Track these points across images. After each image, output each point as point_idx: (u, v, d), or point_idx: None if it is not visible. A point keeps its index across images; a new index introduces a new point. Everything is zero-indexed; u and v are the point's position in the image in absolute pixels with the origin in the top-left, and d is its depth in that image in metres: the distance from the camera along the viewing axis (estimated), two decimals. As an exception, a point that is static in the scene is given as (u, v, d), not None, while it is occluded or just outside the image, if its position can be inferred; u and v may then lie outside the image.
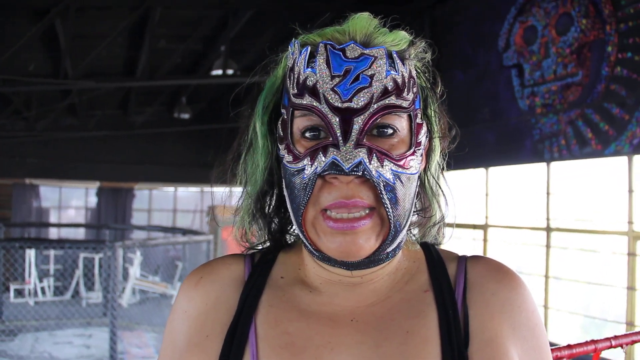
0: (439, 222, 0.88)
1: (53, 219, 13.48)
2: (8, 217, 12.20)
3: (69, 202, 13.99)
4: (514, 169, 6.88)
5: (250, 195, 0.87)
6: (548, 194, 6.14)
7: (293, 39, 0.81)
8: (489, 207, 7.04)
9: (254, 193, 0.86)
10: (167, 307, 9.67)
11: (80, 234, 13.22)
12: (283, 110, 0.80)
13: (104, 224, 12.03)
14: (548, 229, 6.14)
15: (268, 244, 0.90)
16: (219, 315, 0.82)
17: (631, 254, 5.26)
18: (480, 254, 6.57)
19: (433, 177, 0.87)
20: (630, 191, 5.26)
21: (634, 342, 1.86)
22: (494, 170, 6.99)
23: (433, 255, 0.86)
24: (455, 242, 0.91)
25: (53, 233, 13.08)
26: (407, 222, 0.78)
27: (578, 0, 5.68)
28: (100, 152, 12.67)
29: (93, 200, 13.58)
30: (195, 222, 14.22)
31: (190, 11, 7.74)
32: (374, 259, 0.76)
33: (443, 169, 0.89)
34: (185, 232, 9.12)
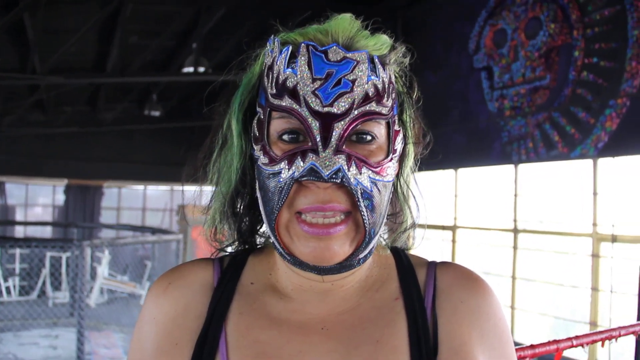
0: (409, 228, 0.87)
1: (19, 216, 13.22)
2: (-28, 215, 11.94)
3: (35, 200, 13.73)
4: (483, 171, 6.96)
5: (222, 194, 0.85)
6: (516, 195, 6.23)
7: (272, 36, 0.79)
8: (458, 209, 7.12)
9: (226, 192, 0.84)
10: (136, 307, 9.56)
11: (47, 232, 12.98)
12: (259, 110, 0.78)
13: (71, 223, 11.83)
14: (515, 231, 6.23)
15: (237, 244, 0.89)
16: (188, 323, 0.80)
17: (595, 256, 5.37)
18: (449, 258, 6.67)
19: (405, 182, 0.86)
20: (595, 194, 5.37)
21: (594, 341, 1.91)
22: (463, 171, 7.07)
23: (403, 262, 0.86)
24: (424, 243, 0.92)
25: (19, 231, 12.82)
26: (380, 228, 0.77)
27: (547, 5, 5.78)
28: (68, 149, 12.47)
29: (61, 198, 13.36)
30: (165, 221, 14.09)
31: (163, 7, 7.67)
32: (345, 265, 0.75)
33: (414, 173, 0.88)
34: (154, 231, 9.02)
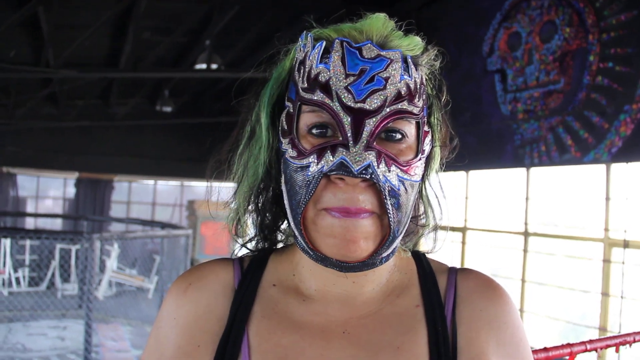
0: (432, 231, 0.87)
1: (30, 208, 13.29)
2: (-16, 206, 12.02)
3: (46, 192, 13.80)
4: (494, 173, 6.94)
5: (247, 187, 0.84)
6: (527, 199, 6.20)
7: (305, 31, 0.79)
8: (469, 210, 7.10)
9: (252, 185, 0.84)
10: (144, 301, 9.62)
11: (57, 224, 13.06)
12: (289, 104, 0.78)
13: (81, 215, 11.88)
14: (526, 234, 6.21)
15: (258, 240, 0.88)
16: (209, 325, 0.80)
17: (606, 261, 5.34)
18: (458, 260, 6.62)
19: (430, 185, 0.86)
20: (607, 199, 5.34)
21: (608, 346, 1.90)
22: (474, 173, 7.05)
23: (424, 267, 0.86)
24: (446, 230, 0.92)
25: (30, 223, 12.89)
26: (404, 228, 0.77)
27: (562, 9, 5.75)
28: (79, 142, 12.52)
29: (71, 191, 13.42)
30: (175, 216, 14.13)
31: (176, 4, 7.68)
32: (368, 263, 0.74)
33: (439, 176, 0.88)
34: (163, 226, 9.05)
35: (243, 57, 9.33)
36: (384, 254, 0.76)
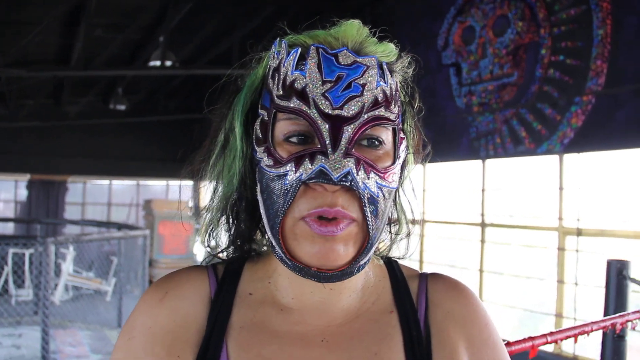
0: (405, 237, 0.87)
1: (-21, 212, 12.90)
2: None
3: (-4, 195, 13.43)
4: (451, 166, 7.04)
5: (221, 198, 0.83)
6: (483, 190, 6.32)
7: (278, 38, 0.78)
8: (426, 203, 7.18)
9: (226, 195, 0.83)
10: (102, 304, 9.42)
11: (9, 228, 12.69)
12: (263, 112, 0.77)
13: (34, 218, 11.58)
14: (483, 225, 6.32)
15: (231, 250, 0.87)
16: (188, 335, 0.78)
17: (561, 249, 5.48)
18: (416, 252, 6.69)
19: (404, 192, 0.86)
20: (561, 189, 5.48)
21: (567, 337, 1.95)
22: (431, 166, 7.14)
23: (396, 273, 0.86)
24: (415, 236, 0.93)
25: (-21, 228, 12.51)
26: (380, 235, 0.77)
27: (515, 3, 5.86)
28: (31, 143, 12.20)
29: (23, 193, 13.07)
30: (131, 216, 13.90)
31: (129, 0, 7.54)
32: (346, 272, 0.73)
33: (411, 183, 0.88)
34: (120, 226, 8.89)
35: (198, 53, 9.23)
36: (362, 262, 0.75)
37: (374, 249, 0.76)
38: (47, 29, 7.28)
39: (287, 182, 0.72)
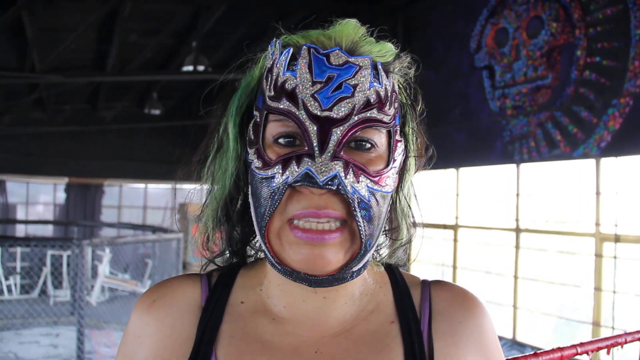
0: (405, 244, 0.84)
1: (20, 215, 13.22)
2: (-27, 213, 11.94)
3: (36, 198, 13.73)
4: (484, 170, 6.93)
5: (216, 199, 0.82)
6: (517, 195, 6.20)
7: (274, 39, 0.77)
8: (459, 208, 7.09)
9: (220, 198, 0.81)
10: (137, 306, 9.55)
11: (48, 230, 12.98)
12: (256, 113, 0.76)
13: (72, 221, 11.82)
14: (517, 230, 6.20)
15: (228, 255, 0.85)
16: (176, 346, 0.77)
17: (598, 256, 5.34)
18: (450, 257, 6.62)
19: (405, 197, 0.83)
20: (598, 193, 5.34)
21: (599, 348, 1.88)
22: (465, 170, 7.04)
23: (398, 281, 0.83)
24: (425, 242, 0.90)
25: (20, 229, 12.81)
26: (376, 241, 0.74)
27: (549, 4, 5.74)
28: (69, 147, 12.46)
29: (61, 196, 13.35)
30: (166, 220, 14.08)
31: (162, 5, 7.64)
32: (338, 277, 0.72)
33: (414, 187, 0.85)
34: (155, 230, 9.01)
35: (230, 57, 9.30)
36: (355, 268, 0.73)
37: (368, 255, 0.74)
38: (83, 35, 7.42)
39: (274, 184, 0.70)
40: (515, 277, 6.19)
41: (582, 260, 5.77)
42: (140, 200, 14.33)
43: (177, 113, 12.32)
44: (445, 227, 7.20)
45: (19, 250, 10.64)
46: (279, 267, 0.72)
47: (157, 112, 11.01)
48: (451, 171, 7.10)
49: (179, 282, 0.83)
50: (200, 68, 7.77)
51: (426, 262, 7.38)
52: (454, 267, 7.08)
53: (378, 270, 0.84)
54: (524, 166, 6.15)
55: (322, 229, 0.69)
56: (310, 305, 0.77)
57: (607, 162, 5.31)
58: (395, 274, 0.84)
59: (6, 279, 10.22)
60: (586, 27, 5.36)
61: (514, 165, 6.20)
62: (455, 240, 7.11)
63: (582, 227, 5.69)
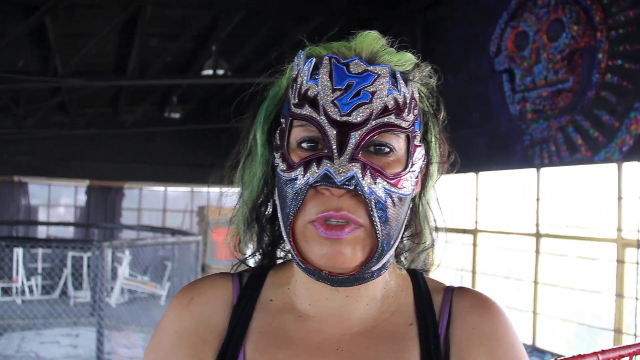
0: (428, 249, 0.88)
1: (42, 217, 13.39)
2: (-4, 215, 12.11)
3: (58, 200, 13.90)
4: (505, 174, 6.88)
5: (246, 203, 0.87)
6: (538, 199, 6.14)
7: (300, 50, 0.82)
8: (479, 212, 7.04)
9: (250, 201, 0.87)
10: (156, 308, 9.62)
11: (69, 232, 13.14)
12: (282, 120, 0.81)
13: (93, 223, 11.95)
14: (538, 235, 6.14)
15: (259, 256, 0.91)
16: (210, 339, 0.83)
17: (620, 261, 5.26)
18: (469, 262, 6.55)
19: (427, 203, 0.87)
20: (620, 198, 5.27)
21: (621, 356, 1.85)
22: (484, 175, 6.99)
23: (420, 285, 0.86)
24: (446, 247, 0.93)
25: (42, 231, 12.98)
26: (395, 243, 0.78)
27: (569, 6, 5.69)
28: (90, 150, 12.60)
29: (82, 199, 13.50)
30: (185, 222, 14.17)
31: (182, 10, 7.70)
32: (358, 277, 0.75)
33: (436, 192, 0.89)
34: (174, 232, 9.08)
35: (249, 61, 9.34)
36: (374, 268, 0.76)
37: (387, 256, 0.77)
38: (104, 40, 7.51)
39: (297, 185, 0.75)
40: (535, 283, 6.13)
41: (603, 266, 5.69)
42: (160, 203, 14.44)
43: (197, 117, 12.41)
44: (464, 231, 7.15)
45: (40, 251, 10.79)
46: (303, 266, 0.76)
47: (177, 115, 11.10)
48: (471, 175, 7.05)
49: (213, 281, 0.89)
50: (220, 72, 7.82)
51: (445, 266, 7.33)
52: (473, 272, 7.03)
53: (400, 274, 0.88)
54: (544, 170, 6.08)
55: (341, 224, 0.73)
56: (333, 304, 0.81)
57: (629, 166, 5.23)
58: (419, 279, 0.88)
59: (28, 279, 10.36)
60: (608, 30, 5.30)
61: (534, 170, 6.14)
62: (474, 245, 7.05)
63: (604, 233, 5.62)
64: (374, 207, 0.73)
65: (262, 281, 0.88)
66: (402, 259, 0.89)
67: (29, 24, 6.54)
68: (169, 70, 9.92)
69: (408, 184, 0.77)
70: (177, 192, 14.63)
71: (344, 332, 0.81)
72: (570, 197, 6.36)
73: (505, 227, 6.88)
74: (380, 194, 0.73)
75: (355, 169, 0.72)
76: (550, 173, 6.10)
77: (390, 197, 0.74)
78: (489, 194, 7.06)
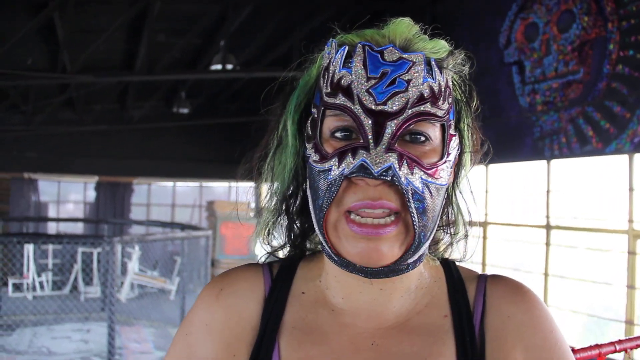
0: (462, 239, 0.86)
1: (52, 213, 13.45)
2: (6, 212, 12.16)
3: (67, 197, 13.95)
4: (514, 167, 6.86)
5: (276, 194, 0.85)
6: (548, 191, 6.12)
7: (330, 39, 0.79)
8: (489, 205, 7.02)
9: (280, 193, 0.85)
10: (166, 302, 9.67)
11: (78, 228, 13.18)
12: (314, 110, 0.79)
13: (102, 219, 11.99)
14: (548, 227, 6.13)
15: (288, 248, 0.89)
16: (244, 333, 0.81)
17: (631, 253, 5.25)
18: (479, 255, 6.55)
19: (461, 192, 0.85)
20: (631, 190, 5.24)
21: (638, 346, 1.85)
22: (494, 167, 6.97)
23: (453, 275, 0.85)
24: (477, 239, 0.92)
25: (52, 227, 13.04)
26: (431, 234, 0.76)
27: (580, -3, 5.65)
28: (98, 146, 12.64)
29: (92, 195, 13.55)
30: (194, 217, 14.20)
31: (190, 5, 7.70)
32: (394, 269, 0.74)
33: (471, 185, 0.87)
34: (183, 227, 9.10)
35: (258, 56, 9.33)
36: (410, 260, 0.75)
37: (423, 248, 0.76)
38: (112, 36, 7.52)
39: (331, 176, 0.73)
40: (546, 275, 6.12)
41: (614, 258, 5.67)
42: (169, 198, 14.47)
43: (205, 112, 12.41)
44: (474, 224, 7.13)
45: (50, 247, 10.84)
46: (336, 259, 0.75)
47: (185, 111, 11.10)
48: (480, 167, 7.03)
49: (243, 272, 0.87)
50: (229, 67, 7.81)
51: (455, 260, 7.31)
52: (483, 264, 7.02)
53: (434, 265, 0.85)
54: (554, 162, 6.06)
55: (377, 224, 0.71)
56: (367, 297, 0.79)
57: (640, 157, 5.21)
58: (451, 268, 0.86)
59: (39, 275, 10.42)
60: (619, 20, 5.26)
61: (544, 162, 6.12)
62: (484, 237, 7.04)
63: (615, 224, 5.59)
64: (411, 198, 0.71)
65: (293, 273, 0.86)
66: (436, 249, 0.87)
67: (38, 21, 6.56)
68: (177, 66, 9.92)
69: (444, 174, 0.76)
70: (185, 187, 14.67)
71: (378, 326, 0.79)
72: (581, 189, 6.34)
73: (515, 219, 6.86)
74: (418, 184, 0.72)
75: (392, 159, 0.70)
76: (560, 165, 6.08)
77: (428, 187, 0.73)
78: (498, 186, 7.04)
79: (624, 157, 5.30)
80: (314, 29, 7.62)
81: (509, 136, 6.45)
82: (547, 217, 6.13)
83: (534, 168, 6.42)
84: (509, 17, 6.48)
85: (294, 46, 8.13)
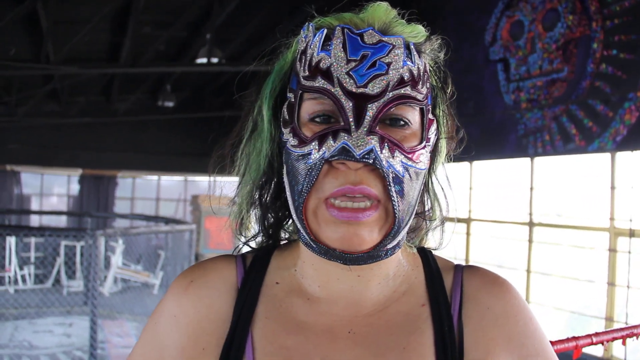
0: (439, 226, 0.85)
1: (34, 206, 13.31)
2: (-12, 204, 12.04)
3: (50, 189, 13.83)
4: (498, 163, 6.90)
5: (250, 182, 0.83)
6: (531, 189, 6.17)
7: (307, 22, 0.78)
8: (473, 201, 7.06)
9: (255, 180, 0.83)
10: (149, 297, 9.62)
11: (62, 221, 13.07)
12: (290, 94, 0.77)
13: (85, 212, 11.90)
14: (531, 224, 6.17)
15: (262, 238, 0.87)
16: (213, 327, 0.79)
17: (612, 250, 5.30)
18: (462, 251, 6.59)
19: (437, 179, 0.84)
20: (613, 188, 5.30)
21: (614, 338, 1.87)
22: (478, 164, 7.01)
23: (430, 264, 0.84)
24: (453, 226, 0.91)
25: (34, 220, 12.91)
26: (409, 219, 0.75)
27: (565, -5, 5.69)
28: (82, 139, 12.52)
29: (75, 188, 13.43)
30: (179, 211, 14.14)
31: (176, -3, 7.66)
32: (373, 255, 0.73)
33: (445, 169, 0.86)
34: (167, 221, 9.05)
35: (244, 50, 9.29)
36: (389, 245, 0.74)
37: (402, 233, 0.75)
38: (97, 27, 7.44)
39: (311, 160, 0.71)
40: (528, 272, 6.17)
41: (596, 255, 5.73)
42: (153, 192, 14.38)
43: (191, 105, 12.34)
44: (457, 220, 7.17)
45: (33, 240, 10.75)
46: (315, 246, 0.74)
47: (170, 104, 11.03)
48: (464, 164, 7.07)
49: (215, 263, 0.85)
50: (214, 60, 7.77)
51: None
52: (467, 260, 7.06)
53: (411, 252, 0.85)
54: (538, 160, 6.11)
55: (357, 208, 0.70)
56: (344, 285, 0.78)
57: (622, 156, 5.26)
58: (429, 257, 0.85)
59: (21, 268, 10.33)
60: (603, 20, 5.30)
61: (528, 159, 6.17)
62: (468, 233, 7.08)
63: (597, 222, 5.65)
64: (391, 181, 0.70)
65: (267, 263, 0.84)
66: (412, 237, 0.85)
67: (21, 11, 6.48)
68: (163, 58, 9.85)
69: (424, 158, 0.75)
70: (170, 181, 14.59)
71: (355, 314, 0.78)
72: (564, 186, 6.40)
73: (498, 216, 6.91)
74: (398, 168, 0.71)
75: (374, 142, 0.69)
76: (544, 162, 6.13)
77: (408, 171, 0.72)
78: (482, 183, 7.09)
79: (607, 156, 5.36)
80: (301, 23, 7.59)
81: (493, 133, 6.49)
82: (530, 214, 6.18)
83: (517, 165, 6.47)
84: (494, 14, 6.51)
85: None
